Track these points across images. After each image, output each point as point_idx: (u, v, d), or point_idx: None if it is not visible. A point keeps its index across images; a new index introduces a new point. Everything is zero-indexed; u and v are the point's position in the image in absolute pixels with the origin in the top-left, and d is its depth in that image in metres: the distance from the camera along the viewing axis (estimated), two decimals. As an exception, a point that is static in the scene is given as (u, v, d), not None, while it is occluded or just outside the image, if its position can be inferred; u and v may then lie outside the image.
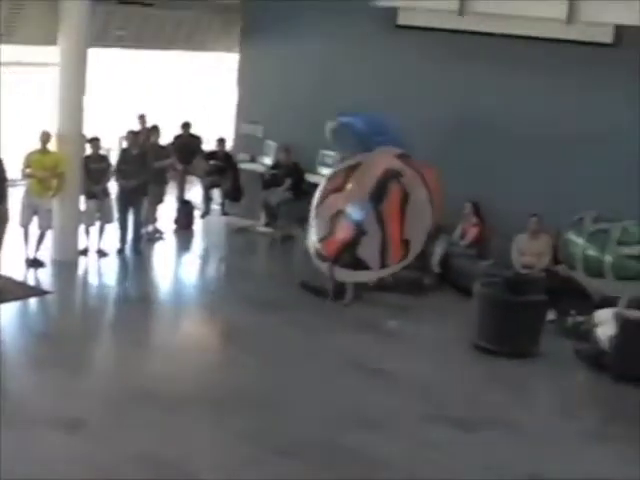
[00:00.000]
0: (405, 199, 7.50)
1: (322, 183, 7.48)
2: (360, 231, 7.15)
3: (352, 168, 7.39)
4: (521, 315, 12.56)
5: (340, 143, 14.19)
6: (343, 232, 7.09)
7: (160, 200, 17.08)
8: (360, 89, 16.52)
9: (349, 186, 7.31)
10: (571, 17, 14.19)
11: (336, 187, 7.23)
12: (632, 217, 13.21)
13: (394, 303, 14.24)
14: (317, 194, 7.27)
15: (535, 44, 14.91)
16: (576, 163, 14.81)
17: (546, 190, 14.89)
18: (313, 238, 7.10)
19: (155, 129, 17.06)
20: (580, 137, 14.77)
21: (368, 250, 7.09)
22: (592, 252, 9.32)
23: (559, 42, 14.67)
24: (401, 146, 14.07)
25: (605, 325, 12.25)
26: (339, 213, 7.04)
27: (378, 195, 7.35)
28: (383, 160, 7.57)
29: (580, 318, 13.32)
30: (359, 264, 7.21)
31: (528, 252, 14.25)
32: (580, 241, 9.45)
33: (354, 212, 7.18)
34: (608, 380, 12.00)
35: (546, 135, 15.04)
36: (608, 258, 9.23)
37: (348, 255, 7.07)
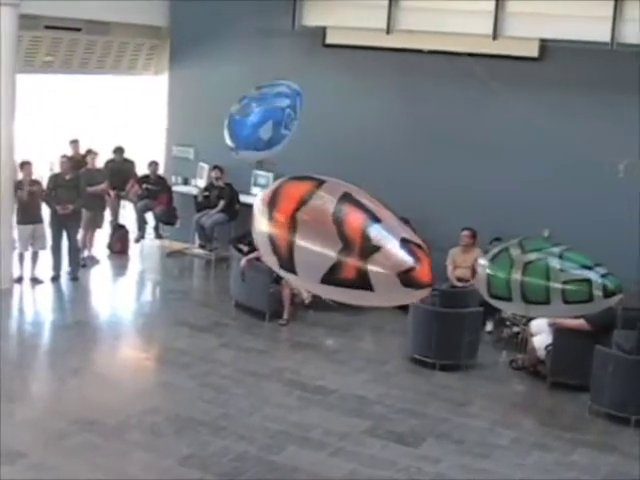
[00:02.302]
0: None
1: (323, 220, 7.11)
2: (429, 252, 7.14)
3: (351, 198, 7.28)
4: (457, 327, 12.68)
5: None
6: (424, 257, 6.98)
7: (98, 225, 17.04)
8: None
9: (381, 214, 7.20)
10: (496, 32, 14.38)
11: (370, 218, 7.10)
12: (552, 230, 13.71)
13: (330, 321, 14.32)
14: (333, 232, 6.99)
15: (462, 59, 15.05)
16: (505, 177, 14.98)
17: (479, 204, 15.04)
18: (388, 269, 6.86)
19: (92, 153, 17.02)
20: (507, 151, 14.95)
21: None
22: (534, 281, 9.41)
23: (486, 57, 14.83)
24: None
25: (541, 334, 12.42)
26: (404, 241, 6.94)
27: (397, 216, 7.35)
28: (354, 187, 7.56)
29: (516, 328, 13.50)
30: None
31: (462, 265, 14.44)
32: (513, 272, 9.54)
33: (411, 237, 7.10)
34: (544, 388, 12.18)
35: (476, 148, 15.18)
36: (555, 285, 9.33)
37: (433, 277, 7.06)
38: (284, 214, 7.48)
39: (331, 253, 7.01)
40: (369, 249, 6.87)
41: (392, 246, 6.89)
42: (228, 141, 12.81)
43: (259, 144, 12.62)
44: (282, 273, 7.94)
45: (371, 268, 6.87)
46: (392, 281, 6.86)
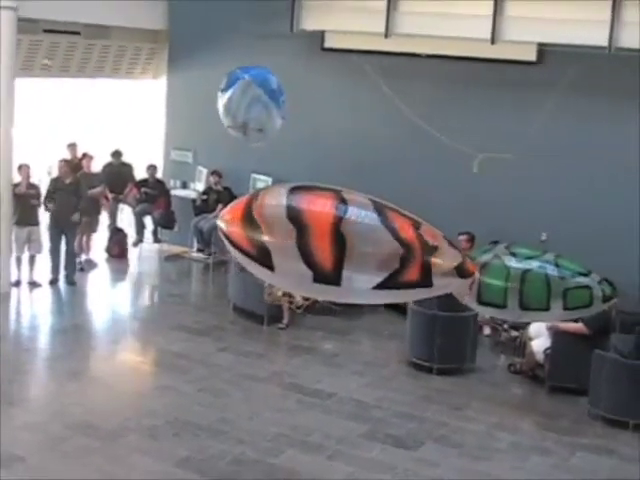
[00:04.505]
0: None
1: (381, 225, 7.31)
2: None
3: (385, 205, 7.49)
4: (455, 331, 12.67)
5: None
6: (463, 250, 7.76)
7: (93, 230, 17.02)
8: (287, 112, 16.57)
9: (416, 217, 7.54)
10: (495, 37, 14.38)
11: (414, 222, 7.39)
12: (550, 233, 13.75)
13: (329, 325, 14.31)
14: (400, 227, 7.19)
15: (460, 63, 15.07)
16: (503, 180, 14.98)
17: (476, 208, 15.04)
18: (448, 265, 7.50)
19: (88, 156, 17.02)
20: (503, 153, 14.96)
21: None
22: (535, 289, 9.46)
23: (484, 61, 14.85)
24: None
25: (539, 338, 12.42)
26: (445, 238, 7.53)
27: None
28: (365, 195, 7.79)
29: (514, 332, 13.49)
30: None
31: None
32: (511, 280, 9.57)
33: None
34: (543, 392, 12.17)
35: (473, 152, 15.19)
36: (557, 292, 9.41)
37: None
38: (325, 227, 7.41)
39: (395, 259, 7.24)
40: (430, 250, 7.28)
41: (444, 244, 7.37)
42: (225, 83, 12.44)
43: (266, 86, 12.36)
44: (308, 286, 7.88)
45: (435, 267, 7.29)
46: (451, 275, 7.37)
